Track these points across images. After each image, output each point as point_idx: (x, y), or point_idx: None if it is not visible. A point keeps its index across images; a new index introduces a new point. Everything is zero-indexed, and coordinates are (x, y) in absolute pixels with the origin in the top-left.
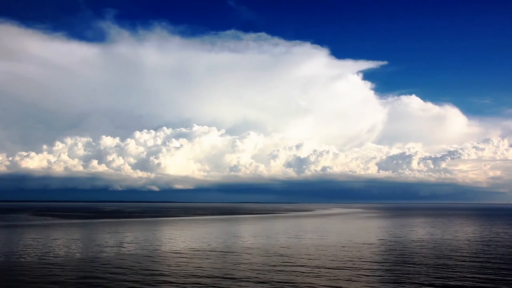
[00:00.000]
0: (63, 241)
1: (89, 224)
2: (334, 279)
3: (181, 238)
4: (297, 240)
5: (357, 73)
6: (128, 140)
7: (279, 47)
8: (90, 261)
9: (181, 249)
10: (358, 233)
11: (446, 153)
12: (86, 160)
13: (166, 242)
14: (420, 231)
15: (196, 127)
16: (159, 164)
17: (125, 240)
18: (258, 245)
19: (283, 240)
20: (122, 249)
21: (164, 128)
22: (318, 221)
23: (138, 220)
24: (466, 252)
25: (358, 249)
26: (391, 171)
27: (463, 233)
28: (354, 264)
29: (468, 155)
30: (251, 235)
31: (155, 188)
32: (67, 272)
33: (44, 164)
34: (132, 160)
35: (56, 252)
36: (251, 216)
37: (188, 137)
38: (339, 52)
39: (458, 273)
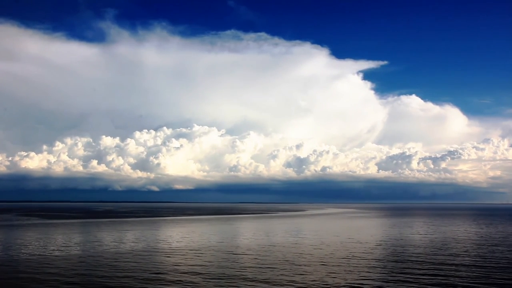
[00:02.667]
0: (28, 240)
1: (67, 224)
2: (260, 274)
3: (148, 238)
4: (256, 240)
5: (357, 73)
6: (128, 140)
7: (279, 47)
8: (43, 259)
9: (138, 249)
10: (332, 232)
11: (446, 153)
12: (86, 160)
13: (128, 241)
14: (392, 231)
15: (196, 127)
16: (159, 164)
17: (86, 239)
18: (216, 245)
19: (244, 240)
20: (76, 247)
21: (164, 128)
22: (302, 221)
23: (123, 220)
24: (421, 251)
25: (314, 247)
26: (391, 171)
27: (433, 232)
28: (294, 261)
29: (468, 155)
30: (220, 235)
31: (155, 188)
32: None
33: (44, 164)
34: (132, 160)
35: (13, 251)
36: (239, 216)
37: (188, 137)
38: (339, 52)
39: (398, 271)
